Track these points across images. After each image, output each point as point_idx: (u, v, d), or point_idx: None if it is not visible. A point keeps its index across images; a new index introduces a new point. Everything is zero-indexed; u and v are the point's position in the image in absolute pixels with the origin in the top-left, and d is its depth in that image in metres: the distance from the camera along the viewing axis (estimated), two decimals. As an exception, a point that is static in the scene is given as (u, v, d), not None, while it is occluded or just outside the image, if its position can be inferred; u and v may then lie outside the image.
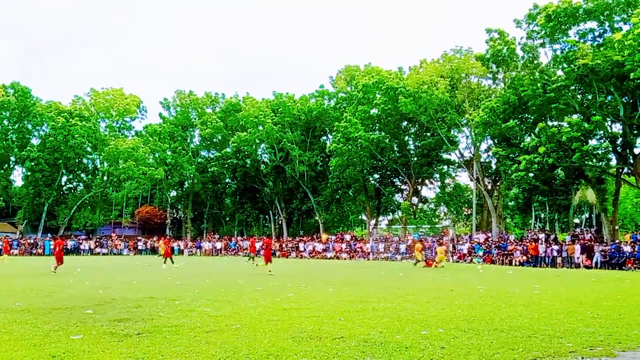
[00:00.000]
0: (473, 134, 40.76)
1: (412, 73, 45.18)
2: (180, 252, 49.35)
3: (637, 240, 30.27)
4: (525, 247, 33.35)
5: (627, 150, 33.01)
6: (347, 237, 47.56)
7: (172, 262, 25.96)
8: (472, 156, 43.76)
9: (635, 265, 27.94)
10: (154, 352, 5.86)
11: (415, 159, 49.16)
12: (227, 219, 67.19)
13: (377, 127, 48.47)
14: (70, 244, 46.61)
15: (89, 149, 53.96)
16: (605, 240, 32.80)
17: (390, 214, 57.47)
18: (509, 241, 36.37)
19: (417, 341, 6.59)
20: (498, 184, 44.12)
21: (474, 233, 42.71)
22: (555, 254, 31.84)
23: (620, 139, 32.83)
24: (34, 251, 46.22)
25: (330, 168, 49.82)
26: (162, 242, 28.33)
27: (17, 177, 57.21)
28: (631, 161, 32.81)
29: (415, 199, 54.37)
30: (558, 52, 33.80)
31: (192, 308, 9.61)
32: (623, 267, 28.34)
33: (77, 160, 54.14)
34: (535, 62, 36.16)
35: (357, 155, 45.94)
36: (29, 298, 11.20)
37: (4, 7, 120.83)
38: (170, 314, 8.85)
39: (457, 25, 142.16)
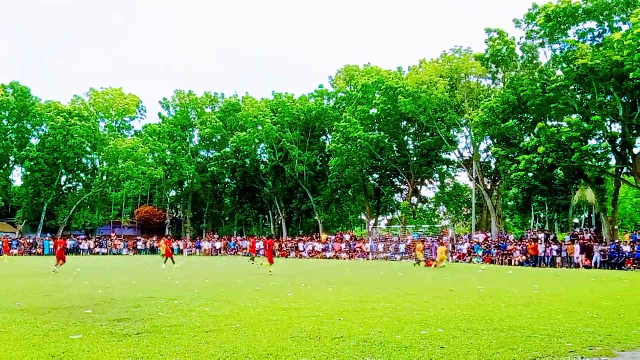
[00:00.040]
0: (472, 134, 40.77)
1: (411, 73, 45.19)
2: (180, 252, 49.34)
3: (636, 240, 30.29)
4: (524, 247, 33.36)
5: (627, 150, 33.03)
6: (347, 237, 47.56)
7: (173, 263, 25.92)
8: (471, 156, 43.78)
9: (634, 265, 27.95)
10: (154, 352, 5.85)
11: (415, 159, 49.17)
12: (227, 219, 67.20)
13: (376, 127, 48.48)
14: (69, 244, 46.55)
15: (88, 148, 53.93)
16: (604, 240, 32.82)
17: (390, 214, 57.50)
18: (508, 241, 36.38)
19: (416, 341, 6.59)
20: (497, 184, 44.13)
21: (474, 233, 42.72)
22: (554, 254, 31.86)
23: (620, 139, 32.85)
24: (34, 251, 46.20)
25: (330, 168, 49.82)
26: (163, 242, 28.28)
27: (17, 177, 57.26)
28: (630, 161, 32.82)
29: (414, 199, 54.38)
30: (557, 52, 33.82)
31: (191, 308, 9.61)
32: (622, 267, 28.36)
33: (76, 160, 54.10)
34: (535, 62, 36.17)
35: (357, 155, 45.95)
36: (28, 298, 11.19)
37: (4, 7, 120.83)
38: (170, 313, 8.85)
39: (457, 25, 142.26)
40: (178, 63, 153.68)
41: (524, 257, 32.75)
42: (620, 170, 34.49)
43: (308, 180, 54.39)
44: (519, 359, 5.78)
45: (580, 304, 11.04)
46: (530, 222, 47.13)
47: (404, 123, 48.56)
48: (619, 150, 33.26)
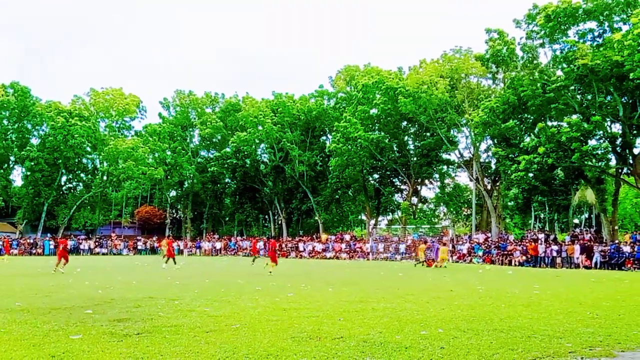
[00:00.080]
0: (473, 134, 40.77)
1: (411, 73, 45.19)
2: (180, 252, 49.34)
3: (636, 240, 30.29)
4: (524, 247, 33.37)
5: (627, 151, 33.03)
6: (347, 237, 47.58)
7: (175, 263, 25.87)
8: (471, 156, 43.78)
9: (634, 266, 27.95)
10: (154, 352, 5.86)
11: (415, 159, 49.18)
12: (227, 219, 67.20)
13: (376, 127, 48.49)
14: (69, 243, 46.52)
15: (88, 148, 53.93)
16: (604, 241, 32.81)
17: (390, 214, 57.51)
18: (508, 241, 36.38)
19: (416, 341, 6.59)
20: (497, 184, 44.13)
21: (474, 233, 42.72)
22: (554, 254, 31.86)
23: (620, 139, 32.85)
24: (34, 251, 46.20)
25: (330, 168, 49.83)
26: (164, 241, 28.22)
27: (17, 176, 57.27)
28: (631, 161, 32.82)
29: (414, 199, 54.39)
30: (557, 52, 33.82)
31: (191, 308, 9.61)
32: (622, 268, 28.36)
33: (76, 160, 54.11)
34: (535, 62, 36.17)
35: (357, 155, 45.95)
36: (28, 298, 11.19)
37: (4, 7, 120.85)
38: (170, 313, 8.85)
39: (457, 25, 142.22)
40: (178, 63, 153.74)
41: (524, 257, 32.76)
42: (620, 171, 34.49)
43: (308, 180, 54.40)
44: (519, 359, 5.78)
45: (580, 304, 11.04)
46: (530, 222, 47.11)
47: (404, 123, 48.58)
48: (619, 151, 33.26)
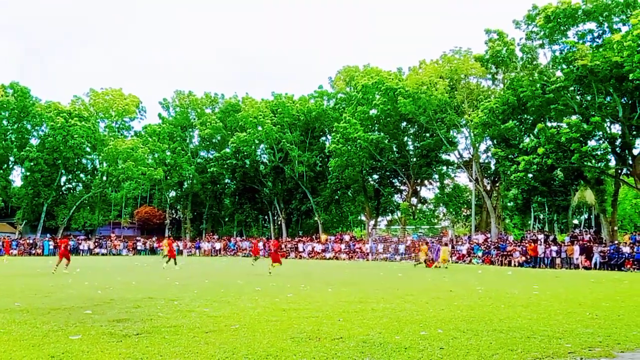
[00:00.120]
0: (472, 134, 40.78)
1: (411, 74, 45.21)
2: (180, 252, 49.29)
3: (636, 241, 30.31)
4: (524, 248, 33.38)
5: (626, 151, 33.05)
6: (346, 237, 47.58)
7: (175, 264, 25.84)
8: (471, 157, 43.78)
9: (634, 266, 27.97)
10: (153, 352, 5.85)
11: (415, 159, 49.19)
12: (227, 219, 67.19)
13: (376, 128, 48.51)
14: (69, 244, 46.49)
15: (88, 149, 53.92)
16: (604, 241, 32.83)
17: (390, 214, 57.50)
18: (508, 242, 36.39)
19: (416, 342, 6.59)
20: (497, 184, 44.14)
21: (473, 234, 42.73)
22: (554, 254, 31.88)
23: (619, 140, 32.87)
24: (33, 251, 46.16)
25: (330, 168, 49.85)
26: (165, 241, 28.16)
27: (16, 177, 57.24)
28: (630, 162, 32.84)
29: (414, 200, 54.41)
30: (557, 53, 33.85)
31: (191, 308, 9.61)
32: (622, 268, 28.38)
33: (76, 161, 54.08)
34: (535, 63, 36.20)
35: (357, 155, 45.96)
36: (27, 298, 11.18)
37: (4, 7, 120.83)
38: (169, 314, 8.84)
39: (457, 25, 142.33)
40: (178, 63, 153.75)
41: (524, 258, 32.76)
42: (619, 171, 34.51)
43: (308, 180, 54.40)
44: (518, 360, 5.79)
45: (579, 304, 11.05)
46: (529, 222, 47.15)
47: (404, 124, 48.59)
48: (618, 151, 33.28)
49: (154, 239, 53.94)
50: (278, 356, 5.76)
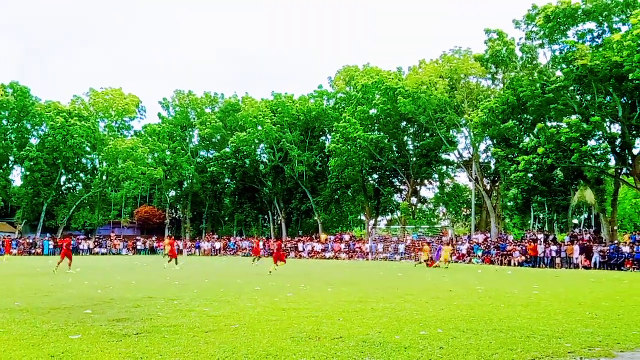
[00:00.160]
0: (472, 134, 40.78)
1: (411, 73, 45.20)
2: (180, 252, 49.27)
3: (636, 240, 30.31)
4: (524, 248, 33.38)
5: (626, 151, 33.05)
6: (346, 237, 47.57)
7: (176, 264, 25.83)
8: (471, 157, 43.78)
9: (634, 266, 27.97)
10: (153, 352, 5.86)
11: (415, 159, 49.19)
12: (226, 219, 67.19)
13: (376, 128, 48.50)
14: (71, 243, 46.46)
15: (88, 149, 53.92)
16: (604, 241, 32.83)
17: (390, 214, 57.51)
18: (508, 242, 36.39)
19: (416, 341, 6.59)
20: (497, 184, 44.14)
21: (473, 233, 42.73)
22: (554, 254, 31.87)
23: (619, 140, 32.87)
24: (33, 251, 46.16)
25: (330, 168, 49.84)
26: (167, 241, 28.12)
27: (16, 177, 57.25)
28: (630, 162, 32.84)
29: (414, 200, 54.42)
30: (557, 53, 33.85)
31: (191, 308, 9.61)
32: (622, 268, 28.38)
33: (76, 160, 54.08)
34: (535, 62, 36.20)
35: (357, 155, 45.96)
36: (28, 298, 11.18)
37: (4, 7, 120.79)
38: (169, 314, 8.85)
39: (457, 25, 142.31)
40: (178, 63, 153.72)
41: (524, 258, 32.76)
42: (619, 171, 34.51)
43: (308, 180, 54.40)
44: (518, 359, 5.79)
45: (579, 304, 11.05)
46: (529, 222, 47.15)
47: (404, 123, 48.59)
48: (618, 151, 33.28)
49: (154, 238, 53.92)
50: (278, 356, 5.76)
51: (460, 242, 40.29)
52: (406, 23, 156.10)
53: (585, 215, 48.48)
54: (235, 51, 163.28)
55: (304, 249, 45.49)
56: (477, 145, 42.45)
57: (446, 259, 28.74)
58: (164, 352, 5.84)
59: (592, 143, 33.31)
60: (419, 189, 54.61)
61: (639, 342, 6.85)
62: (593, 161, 32.04)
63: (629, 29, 28.89)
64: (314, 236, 50.33)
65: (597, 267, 29.62)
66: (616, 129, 33.89)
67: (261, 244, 40.76)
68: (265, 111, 53.41)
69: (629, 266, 28.17)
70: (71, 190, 56.84)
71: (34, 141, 53.92)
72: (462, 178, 54.78)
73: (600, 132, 32.73)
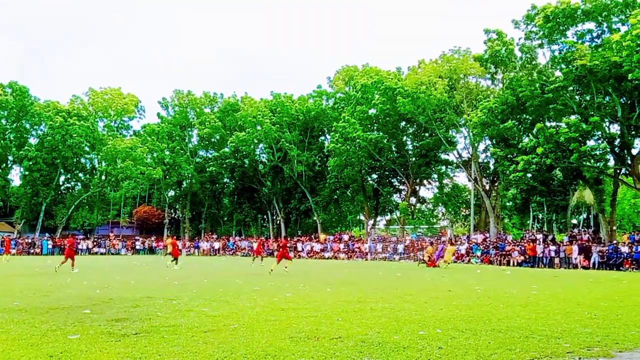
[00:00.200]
0: (471, 134, 40.81)
1: (410, 73, 45.23)
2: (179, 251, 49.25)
3: (634, 240, 30.34)
4: (523, 248, 33.40)
5: (625, 151, 33.08)
6: (345, 237, 47.58)
7: (176, 264, 25.82)
8: (470, 156, 43.82)
9: (632, 266, 28.00)
10: (152, 352, 5.85)
11: (414, 159, 49.21)
12: (225, 218, 67.16)
13: (375, 127, 48.51)
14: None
15: (87, 148, 53.88)
16: (602, 241, 32.87)
17: (388, 214, 57.55)
18: (506, 241, 36.41)
19: (414, 341, 6.59)
20: (496, 184, 44.18)
21: (472, 233, 42.76)
22: (552, 254, 31.90)
23: (618, 140, 32.90)
24: (32, 251, 46.11)
25: (329, 168, 49.83)
26: (169, 240, 28.09)
27: (15, 176, 57.25)
28: (629, 162, 32.88)
29: (413, 199, 54.45)
30: (556, 53, 33.89)
31: (189, 308, 9.60)
32: (620, 268, 28.41)
33: (75, 160, 54.05)
34: (534, 62, 36.23)
35: (356, 155, 45.96)
36: (26, 298, 11.16)
37: (4, 7, 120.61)
38: (168, 313, 8.83)
39: (456, 25, 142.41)
40: (178, 63, 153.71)
41: (522, 258, 32.79)
42: (618, 171, 34.55)
43: (307, 180, 54.39)
44: (517, 359, 5.79)
45: (578, 304, 11.06)
46: (528, 222, 47.22)
47: (403, 123, 48.62)
48: (617, 151, 33.31)
49: (152, 238, 53.89)
50: (277, 356, 5.76)
51: (459, 242, 40.31)
52: (405, 23, 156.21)
53: (584, 215, 48.54)
54: (235, 51, 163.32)
55: (302, 249, 45.49)
56: (476, 145, 42.48)
57: (447, 259, 28.73)
58: (162, 352, 5.83)
59: (591, 143, 33.35)
60: (417, 188, 54.65)
61: (637, 342, 6.85)
62: (592, 161, 32.07)
63: (628, 29, 28.92)
64: (312, 236, 50.33)
65: (596, 267, 29.65)
66: (615, 129, 33.93)
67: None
68: (264, 111, 53.40)
69: (627, 266, 28.20)
70: (70, 190, 56.79)
71: (33, 141, 53.87)
72: (461, 178, 54.91)
73: (599, 132, 32.77)
